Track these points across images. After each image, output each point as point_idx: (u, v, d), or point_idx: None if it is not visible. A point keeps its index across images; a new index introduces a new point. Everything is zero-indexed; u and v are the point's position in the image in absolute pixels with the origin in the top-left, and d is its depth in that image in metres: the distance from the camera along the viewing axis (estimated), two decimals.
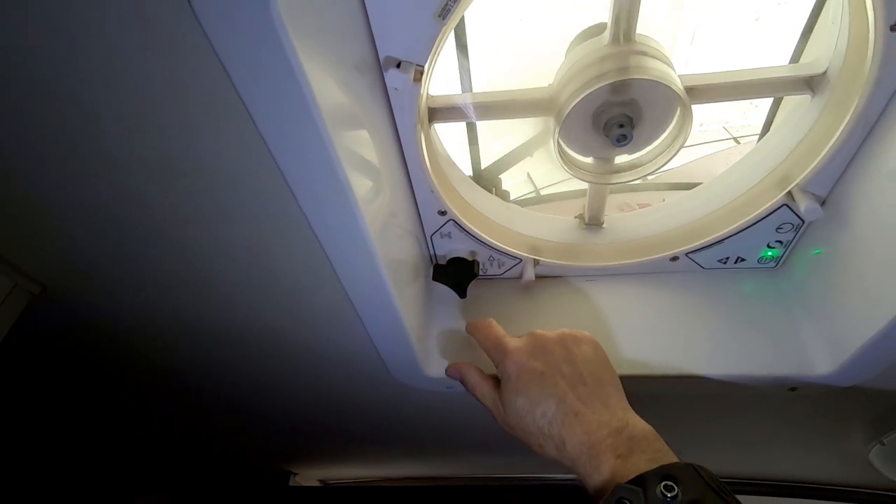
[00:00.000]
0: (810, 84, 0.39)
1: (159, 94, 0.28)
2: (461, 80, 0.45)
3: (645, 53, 0.36)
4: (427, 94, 0.39)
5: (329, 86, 0.28)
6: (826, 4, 0.38)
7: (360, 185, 0.33)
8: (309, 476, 1.04)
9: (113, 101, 0.29)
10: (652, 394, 0.46)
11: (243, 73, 0.26)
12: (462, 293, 0.52)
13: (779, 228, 0.46)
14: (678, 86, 0.36)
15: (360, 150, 0.34)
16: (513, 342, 0.41)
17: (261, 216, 0.36)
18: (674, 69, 0.37)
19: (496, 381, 0.42)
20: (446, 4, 0.30)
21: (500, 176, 0.57)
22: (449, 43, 0.44)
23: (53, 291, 0.45)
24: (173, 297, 0.46)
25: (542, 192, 0.69)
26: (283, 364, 0.57)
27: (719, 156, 0.68)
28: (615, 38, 0.37)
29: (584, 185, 0.51)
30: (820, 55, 0.38)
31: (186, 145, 0.31)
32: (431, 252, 0.51)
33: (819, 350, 0.45)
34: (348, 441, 0.82)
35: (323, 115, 0.28)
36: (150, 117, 0.29)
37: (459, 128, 0.54)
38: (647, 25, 0.39)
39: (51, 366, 0.60)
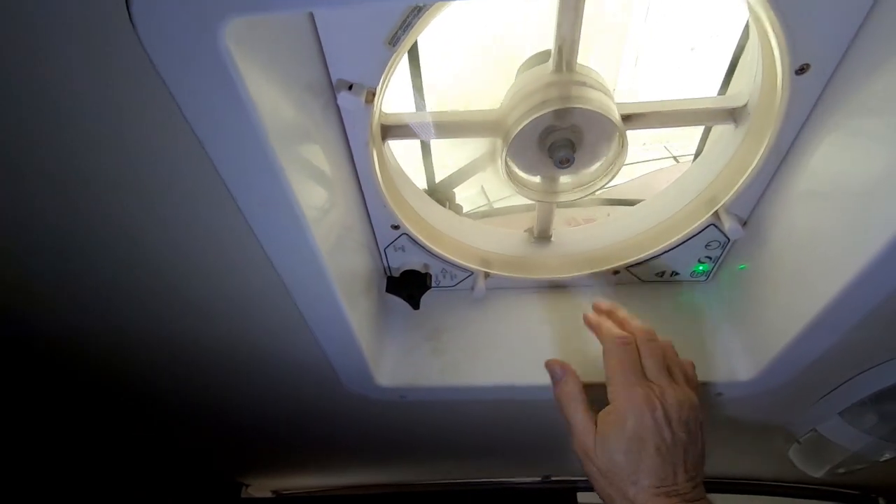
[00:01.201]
0: (733, 115, 0.43)
1: (99, 111, 0.28)
2: (415, 99, 0.47)
3: (585, 84, 0.39)
4: (380, 112, 0.40)
5: (277, 105, 0.29)
6: (747, 44, 0.42)
7: (311, 202, 0.34)
8: (261, 487, 1.02)
9: (51, 117, 0.28)
10: (594, 399, 0.48)
11: (187, 94, 0.26)
12: (415, 304, 0.53)
13: (707, 245, 0.49)
14: (615, 116, 0.38)
15: (310, 166, 0.35)
16: (645, 386, 0.39)
17: (208, 232, 0.36)
18: (612, 99, 0.40)
19: (589, 391, 0.41)
20: (396, 33, 0.31)
21: (454, 189, 0.59)
22: (402, 64, 0.45)
23: None
24: (118, 311, 0.45)
25: (496, 205, 0.71)
26: (233, 374, 0.56)
27: (661, 173, 0.72)
28: (558, 67, 0.39)
29: None
30: (742, 89, 0.42)
31: (128, 162, 0.31)
32: (385, 264, 0.52)
33: (742, 358, 0.48)
34: (302, 451, 0.81)
35: (269, 134, 0.28)
36: (91, 134, 0.29)
37: (414, 142, 0.56)
38: (593, 51, 0.41)
39: None
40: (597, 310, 0.46)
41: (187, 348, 0.51)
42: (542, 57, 0.42)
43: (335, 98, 0.35)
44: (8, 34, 0.24)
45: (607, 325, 0.43)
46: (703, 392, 0.50)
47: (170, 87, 0.26)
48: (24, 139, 0.30)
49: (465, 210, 0.60)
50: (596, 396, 0.42)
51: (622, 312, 0.45)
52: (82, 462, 0.85)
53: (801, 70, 0.33)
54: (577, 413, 0.41)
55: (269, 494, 1.03)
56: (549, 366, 0.44)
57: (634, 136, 0.43)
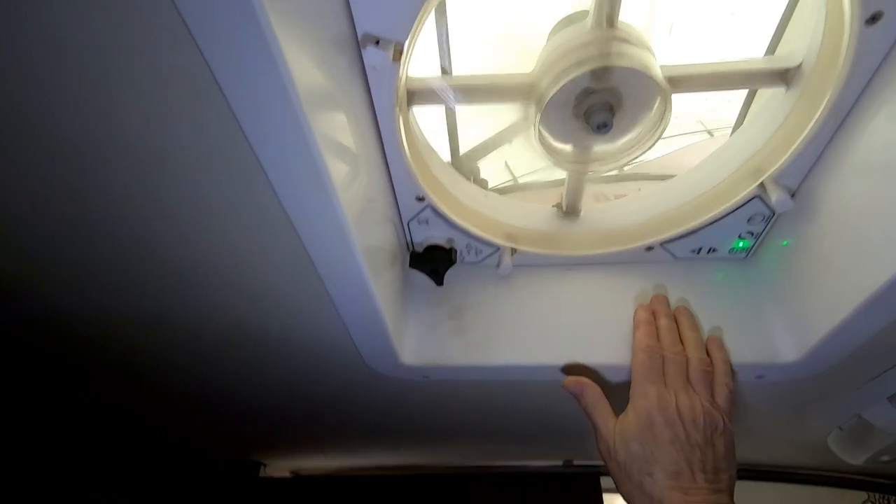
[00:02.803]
0: (785, 77, 0.39)
1: (118, 67, 0.26)
2: (441, 64, 0.44)
3: (627, 41, 0.36)
4: (406, 75, 0.38)
5: (306, 63, 0.27)
6: None
7: (338, 169, 0.32)
8: (279, 467, 1.02)
9: (62, 71, 0.26)
10: (626, 382, 0.46)
11: (216, 50, 0.24)
12: (439, 281, 0.51)
13: (750, 220, 0.47)
14: (658, 74, 0.36)
15: (337, 132, 0.33)
16: (660, 386, 0.42)
17: (232, 201, 0.35)
18: (655, 58, 0.37)
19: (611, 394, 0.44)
20: None
21: (479, 164, 0.57)
22: (430, 25, 0.43)
23: (5, 284, 0.42)
24: (135, 289, 0.44)
25: (520, 181, 0.69)
26: (252, 352, 0.55)
27: (693, 148, 0.69)
28: (598, 23, 0.36)
29: (562, 175, 0.51)
30: (795, 49, 0.39)
31: (148, 125, 0.29)
32: (408, 239, 0.50)
33: (785, 339, 0.46)
34: (320, 431, 0.81)
35: (300, 94, 0.26)
36: (107, 92, 0.27)
37: (438, 113, 0.53)
38: (627, 16, 0.38)
39: (3, 360, 0.57)
40: (655, 310, 0.48)
41: (209, 326, 0.50)
42: (578, 17, 0.39)
43: (360, 56, 0.33)
44: None
45: (644, 329, 0.46)
46: (743, 374, 0.47)
47: (198, 43, 0.24)
48: (42, 102, 0.28)
49: (489, 185, 0.58)
50: (618, 378, 0.45)
51: (685, 318, 0.47)
52: (104, 442, 0.86)
53: (873, 19, 0.30)
54: (600, 415, 0.43)
55: (286, 474, 1.03)
56: (567, 386, 0.46)
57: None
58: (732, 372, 0.45)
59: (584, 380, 0.45)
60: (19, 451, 0.82)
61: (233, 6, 0.22)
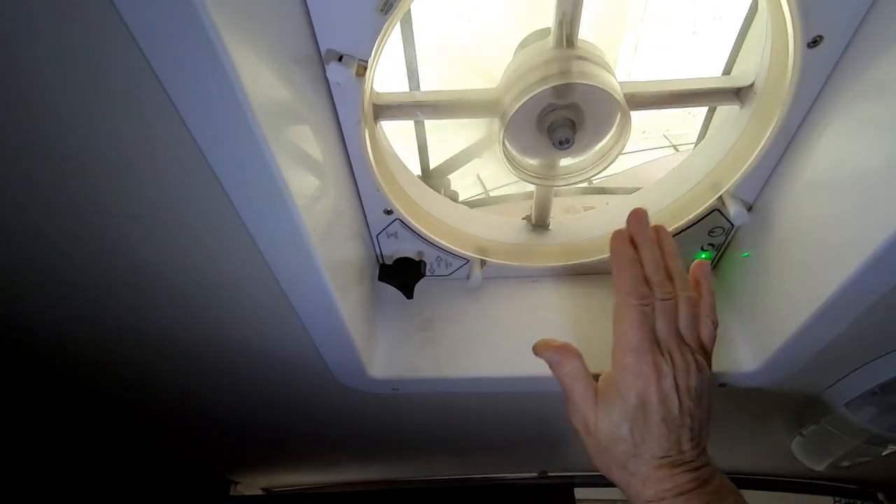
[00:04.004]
0: (739, 95, 0.41)
1: (74, 84, 0.26)
2: (408, 78, 0.45)
3: (587, 59, 0.37)
4: (371, 90, 0.38)
5: (265, 80, 0.27)
6: (755, 20, 0.41)
7: (300, 186, 0.32)
8: (251, 484, 1.00)
9: (12, 86, 0.26)
10: None
11: (168, 67, 0.24)
12: (409, 294, 0.51)
13: (711, 232, 0.48)
14: (618, 91, 0.37)
15: (300, 148, 0.33)
16: (655, 352, 0.35)
17: (193, 219, 0.34)
18: (614, 76, 0.38)
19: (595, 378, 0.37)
20: (388, 0, 0.29)
21: (449, 176, 0.57)
22: (396, 39, 0.44)
23: None
24: (98, 304, 0.43)
25: (492, 194, 0.70)
26: (221, 368, 0.54)
27: (660, 162, 0.71)
28: (559, 43, 0.37)
29: (533, 188, 0.51)
30: (748, 68, 0.41)
31: (104, 142, 0.29)
32: (377, 252, 0.50)
33: (745, 348, 0.47)
34: (292, 447, 0.79)
35: (255, 112, 0.26)
36: (65, 112, 0.27)
37: (408, 126, 0.54)
38: (592, 36, 0.40)
39: None
40: (636, 237, 0.37)
41: (172, 342, 0.49)
42: (541, 34, 0.40)
43: (324, 72, 0.33)
44: None
45: (628, 271, 0.36)
46: None
47: (149, 60, 0.24)
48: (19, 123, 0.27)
49: (460, 198, 0.58)
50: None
51: (667, 245, 0.38)
52: (68, 462, 0.83)
53: (814, 42, 0.32)
54: (579, 387, 0.37)
55: (258, 492, 1.01)
56: (541, 353, 0.39)
57: (634, 125, 0.42)
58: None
59: (566, 346, 0.38)
60: None
61: (183, 21, 0.22)
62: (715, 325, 0.38)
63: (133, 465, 0.89)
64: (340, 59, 0.32)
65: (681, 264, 0.38)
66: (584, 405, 0.37)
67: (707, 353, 0.37)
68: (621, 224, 0.50)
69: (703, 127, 0.56)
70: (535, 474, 0.90)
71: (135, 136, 0.29)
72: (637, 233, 0.37)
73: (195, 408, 0.65)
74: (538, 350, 0.39)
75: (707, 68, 0.47)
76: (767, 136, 0.39)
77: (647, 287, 0.36)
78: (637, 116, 0.41)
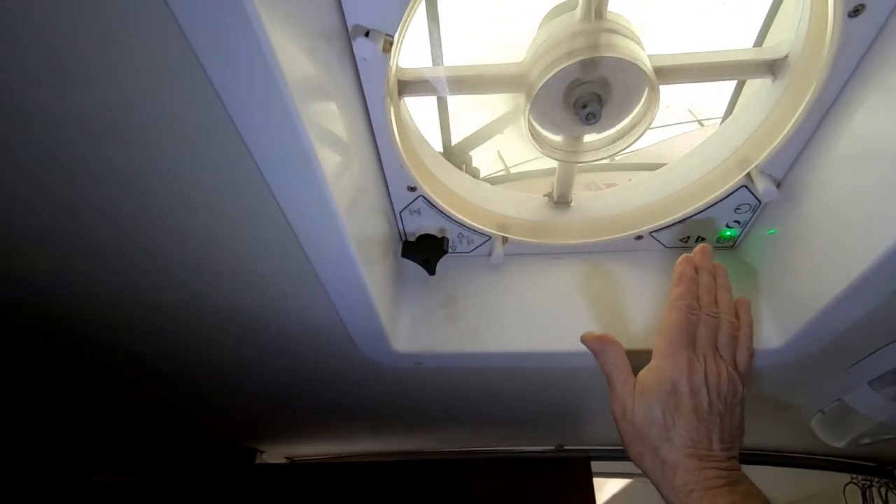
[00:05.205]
0: (772, 68, 0.40)
1: (110, 56, 0.26)
2: (432, 54, 0.45)
3: (616, 31, 0.36)
4: (397, 66, 0.38)
5: (296, 56, 0.27)
6: None
7: (329, 160, 0.32)
8: (275, 453, 1.03)
9: (52, 56, 0.26)
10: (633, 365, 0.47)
11: (204, 41, 0.25)
12: (431, 270, 0.52)
13: (737, 209, 0.47)
14: (647, 65, 0.36)
15: (328, 123, 0.33)
16: (690, 351, 0.40)
17: (225, 192, 0.35)
18: (643, 49, 0.37)
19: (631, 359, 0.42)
20: None
21: (471, 153, 0.57)
22: (420, 14, 0.43)
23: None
24: (129, 273, 0.44)
25: (513, 171, 0.69)
26: (246, 340, 0.56)
27: (684, 138, 0.70)
28: (587, 15, 0.37)
29: (553, 164, 0.51)
30: (782, 40, 0.39)
31: (140, 112, 0.29)
32: (401, 228, 0.50)
33: (770, 325, 0.47)
34: (315, 417, 0.82)
35: (290, 86, 0.26)
36: (94, 80, 0.27)
37: (430, 103, 0.54)
38: (618, 4, 0.39)
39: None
40: (698, 265, 0.44)
41: (202, 313, 0.50)
42: (568, 6, 0.40)
43: (350, 47, 0.33)
44: None
45: (685, 285, 0.42)
46: None
47: (186, 34, 0.24)
48: (27, 77, 0.28)
49: (481, 175, 0.58)
50: (635, 363, 0.42)
51: (722, 278, 0.44)
52: (103, 429, 0.87)
53: (856, 12, 0.31)
54: (619, 375, 0.41)
55: (282, 461, 1.05)
56: (587, 342, 0.44)
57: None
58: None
59: (606, 336, 0.43)
60: (21, 437, 0.83)
61: (226, 7, 0.22)
62: (751, 354, 0.42)
63: (164, 434, 0.92)
64: (367, 34, 0.32)
65: (730, 297, 0.44)
66: (623, 391, 0.41)
67: (741, 375, 0.41)
68: (643, 201, 0.50)
69: (730, 102, 0.55)
70: (552, 447, 0.92)
71: (171, 109, 0.29)
72: (700, 262, 0.44)
73: (222, 379, 0.67)
74: (584, 339, 0.44)
75: (737, 41, 0.46)
76: (801, 110, 0.38)
77: (697, 303, 0.42)
78: (662, 90, 0.40)
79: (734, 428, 0.39)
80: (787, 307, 0.46)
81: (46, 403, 0.76)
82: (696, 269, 0.44)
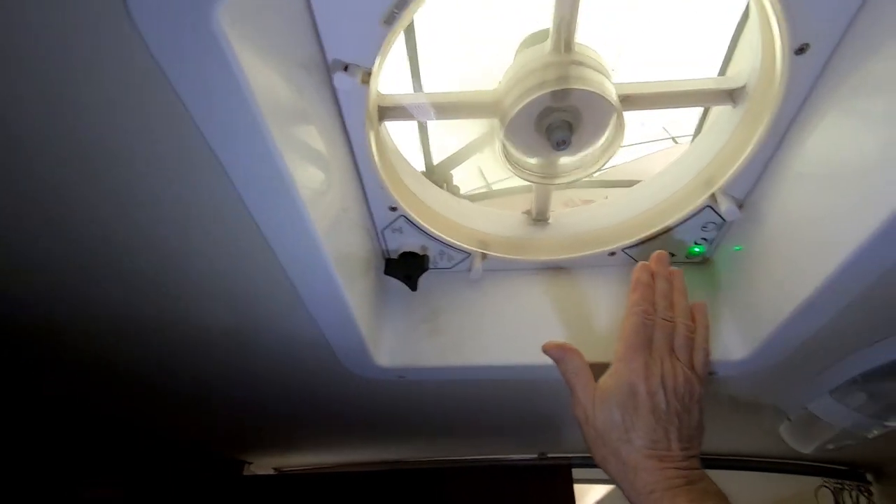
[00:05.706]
0: (732, 96, 0.42)
1: (92, 90, 0.27)
2: (412, 80, 0.47)
3: (583, 63, 0.38)
4: (376, 93, 0.40)
5: (272, 84, 0.29)
6: (747, 25, 0.42)
7: (307, 183, 0.34)
8: (263, 464, 1.04)
9: (43, 94, 0.28)
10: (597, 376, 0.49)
11: (181, 74, 0.26)
12: (413, 286, 0.53)
13: (704, 227, 0.50)
14: (613, 96, 0.38)
15: (306, 148, 0.34)
16: (646, 354, 0.41)
17: (206, 213, 0.36)
18: (610, 79, 0.40)
19: (594, 370, 0.43)
20: (392, 12, 0.31)
21: (452, 171, 0.59)
22: (399, 44, 0.45)
23: None
24: (114, 291, 0.45)
25: (494, 187, 0.71)
26: (233, 354, 0.57)
27: (659, 155, 0.72)
28: (556, 47, 0.39)
29: None
30: (741, 69, 0.42)
31: (120, 139, 0.31)
32: (383, 246, 0.52)
33: (736, 337, 0.49)
34: (302, 429, 0.83)
35: (264, 114, 0.28)
36: (84, 112, 0.29)
37: (411, 124, 0.56)
38: (588, 35, 0.41)
39: None
40: (654, 271, 0.45)
41: (186, 329, 0.51)
42: (541, 36, 0.42)
43: (331, 77, 0.35)
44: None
45: (641, 291, 0.44)
46: None
47: (163, 68, 0.26)
48: (15, 111, 0.29)
49: (462, 191, 0.60)
50: (598, 374, 0.43)
51: (678, 282, 0.45)
52: (91, 441, 0.87)
53: (801, 50, 0.33)
54: (580, 382, 0.43)
55: (270, 471, 1.05)
56: (547, 350, 0.45)
57: (632, 116, 0.43)
58: None
59: (567, 345, 0.44)
60: (8, 451, 0.83)
61: (197, 35, 0.24)
62: (707, 354, 0.43)
63: (152, 446, 0.92)
64: (346, 68, 0.34)
65: (685, 301, 0.45)
66: (584, 396, 0.42)
67: (698, 376, 0.42)
68: (616, 219, 0.52)
69: (699, 121, 0.58)
70: (534, 455, 0.93)
71: (147, 134, 0.30)
72: (656, 269, 0.45)
73: (209, 391, 0.68)
74: (545, 348, 0.45)
75: (705, 67, 0.48)
76: (758, 135, 0.41)
77: (652, 308, 0.43)
78: (637, 111, 0.42)
79: (693, 427, 0.40)
80: (751, 320, 0.48)
81: (35, 417, 0.76)
82: (652, 276, 0.45)
